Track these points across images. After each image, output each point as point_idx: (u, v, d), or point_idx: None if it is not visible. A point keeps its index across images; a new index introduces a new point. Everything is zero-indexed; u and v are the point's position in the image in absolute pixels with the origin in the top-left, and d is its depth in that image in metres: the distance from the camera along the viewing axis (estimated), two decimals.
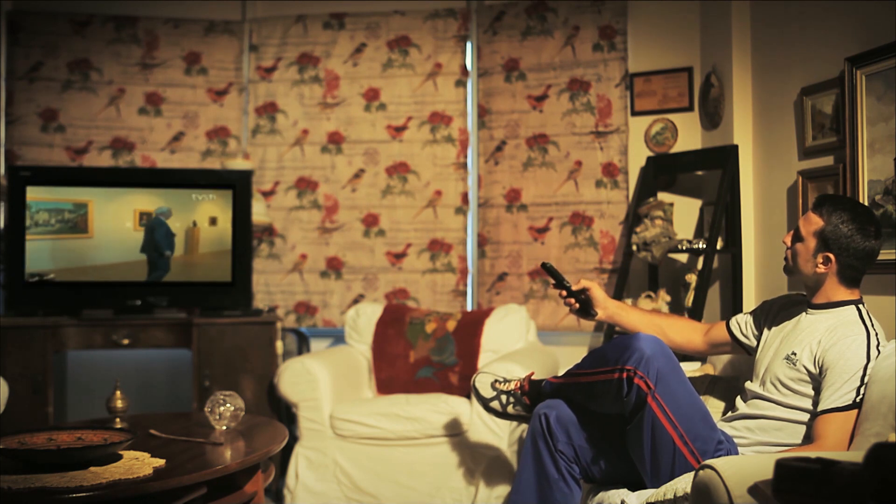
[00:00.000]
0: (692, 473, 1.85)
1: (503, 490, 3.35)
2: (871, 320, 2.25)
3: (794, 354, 2.26)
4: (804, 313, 2.34)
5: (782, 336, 2.37)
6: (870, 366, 2.13)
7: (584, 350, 4.24)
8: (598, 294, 2.62)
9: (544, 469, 2.45)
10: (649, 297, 3.86)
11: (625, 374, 2.23)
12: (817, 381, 2.20)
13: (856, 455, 1.56)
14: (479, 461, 3.42)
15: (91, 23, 4.51)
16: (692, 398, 2.27)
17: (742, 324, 2.57)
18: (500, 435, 3.42)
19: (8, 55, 4.44)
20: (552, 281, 2.65)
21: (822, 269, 2.27)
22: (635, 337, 2.29)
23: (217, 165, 4.51)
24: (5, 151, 4.41)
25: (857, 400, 2.11)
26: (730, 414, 2.42)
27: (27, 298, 3.92)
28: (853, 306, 2.28)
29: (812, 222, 2.28)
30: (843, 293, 2.29)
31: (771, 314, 2.48)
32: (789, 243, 2.35)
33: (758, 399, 2.33)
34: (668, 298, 3.86)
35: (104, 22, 4.52)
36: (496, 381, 2.69)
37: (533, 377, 2.69)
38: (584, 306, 2.62)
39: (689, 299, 3.70)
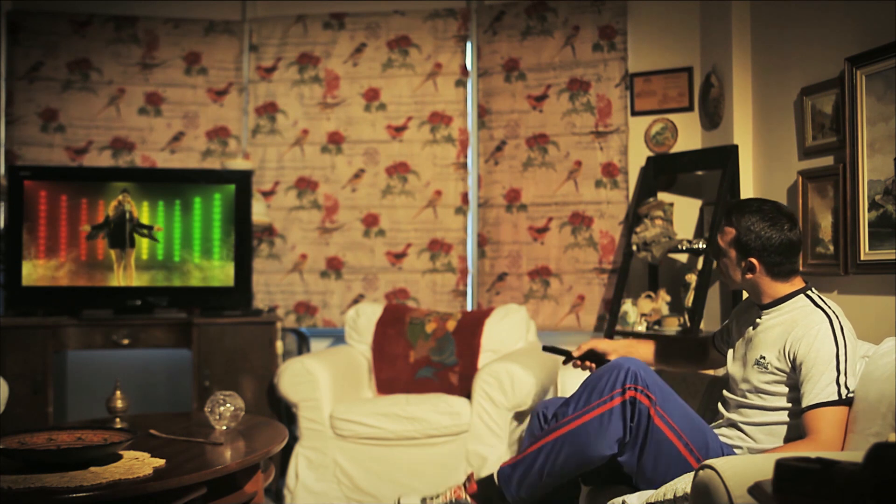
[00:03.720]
0: (692, 473, 1.85)
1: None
2: (825, 303, 2.23)
3: (763, 358, 2.26)
4: (758, 317, 2.34)
5: (746, 342, 2.37)
6: (841, 353, 2.12)
7: None
8: (603, 345, 2.63)
9: None
10: (649, 297, 3.86)
11: (628, 395, 2.20)
12: (792, 377, 2.19)
13: (856, 455, 1.56)
14: (479, 461, 3.42)
15: (91, 23, 4.51)
16: (685, 406, 2.27)
17: (721, 337, 2.60)
18: (500, 435, 3.42)
19: (8, 55, 4.44)
20: (562, 357, 2.68)
21: (749, 275, 2.28)
22: (617, 361, 2.28)
23: (217, 165, 4.51)
24: (5, 151, 4.41)
25: (846, 395, 2.10)
26: (718, 422, 2.41)
27: (27, 298, 3.92)
28: (801, 295, 2.27)
29: (727, 233, 2.31)
30: (785, 287, 2.28)
31: (736, 321, 2.49)
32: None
33: (742, 407, 2.32)
34: (668, 298, 3.86)
35: (104, 22, 4.52)
36: (425, 498, 2.46)
37: (476, 477, 2.43)
38: (598, 360, 2.62)
39: (689, 299, 3.70)
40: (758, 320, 2.33)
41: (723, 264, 2.35)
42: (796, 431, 2.22)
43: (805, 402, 2.13)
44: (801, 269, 2.34)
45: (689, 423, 2.23)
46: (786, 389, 2.22)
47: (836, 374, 2.11)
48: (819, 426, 2.09)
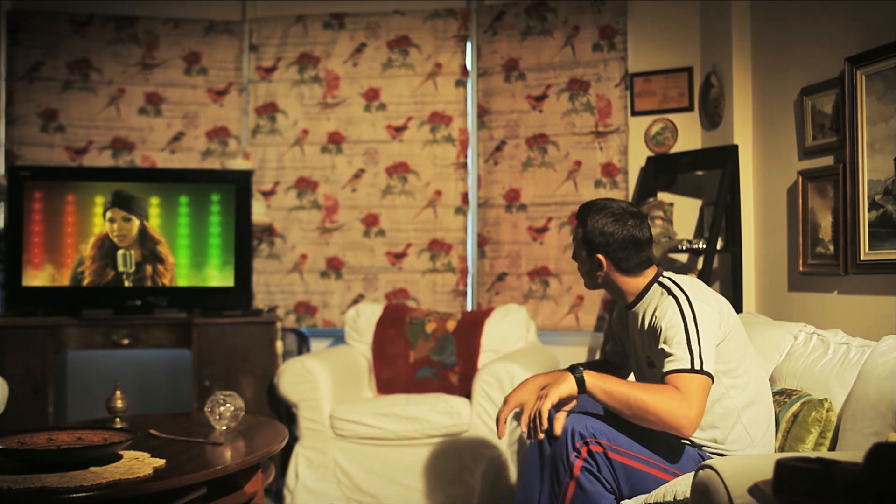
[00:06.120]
0: (691, 475, 1.85)
1: (503, 490, 3.35)
2: (676, 285, 2.22)
3: (650, 358, 2.27)
4: (630, 319, 2.36)
5: (631, 348, 2.38)
6: (689, 326, 2.10)
7: (584, 350, 4.24)
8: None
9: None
10: None
11: (584, 451, 2.15)
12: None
13: (856, 455, 1.56)
14: (479, 461, 3.42)
15: (91, 23, 4.51)
16: (637, 430, 2.21)
17: (616, 352, 2.63)
18: None
19: (8, 55, 4.44)
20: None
21: (599, 272, 2.31)
22: (556, 438, 2.21)
23: (217, 165, 4.51)
24: (5, 151, 4.41)
25: (699, 367, 2.06)
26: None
27: (27, 298, 3.92)
28: (654, 285, 2.28)
29: (577, 235, 2.35)
30: (638, 281, 2.31)
31: (620, 336, 2.50)
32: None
33: None
34: None
35: (104, 22, 4.52)
36: None
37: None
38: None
39: None
40: (629, 322, 2.35)
41: (578, 265, 2.40)
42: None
43: (664, 369, 2.10)
44: (652, 262, 2.34)
45: (649, 443, 2.19)
46: None
47: (685, 342, 2.09)
48: (679, 384, 2.06)
